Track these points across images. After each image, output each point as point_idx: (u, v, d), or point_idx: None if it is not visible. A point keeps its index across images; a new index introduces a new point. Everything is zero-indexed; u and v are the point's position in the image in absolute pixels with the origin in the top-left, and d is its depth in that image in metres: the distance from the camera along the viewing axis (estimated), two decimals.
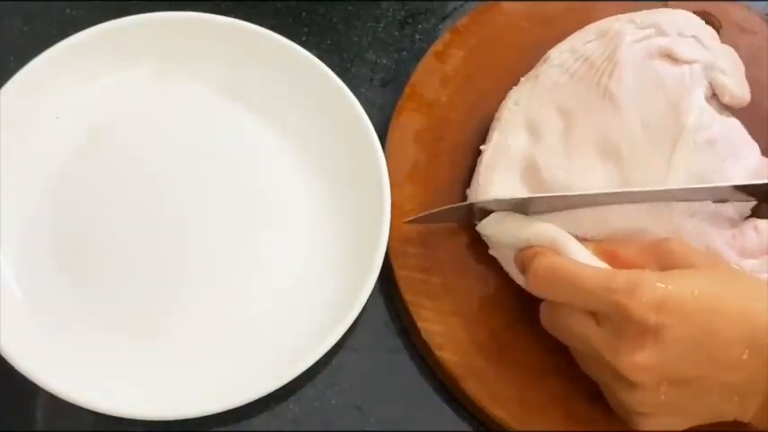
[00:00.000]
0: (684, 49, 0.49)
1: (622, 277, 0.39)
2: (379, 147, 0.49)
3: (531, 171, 0.48)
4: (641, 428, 0.41)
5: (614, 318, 0.39)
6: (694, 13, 0.53)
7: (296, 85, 0.52)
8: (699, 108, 0.48)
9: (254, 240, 0.49)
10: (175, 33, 0.51)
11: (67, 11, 0.54)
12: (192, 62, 0.52)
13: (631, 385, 0.39)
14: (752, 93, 0.51)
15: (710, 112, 0.48)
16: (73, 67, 0.49)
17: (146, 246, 0.47)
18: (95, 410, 0.41)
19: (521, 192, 0.48)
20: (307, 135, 0.52)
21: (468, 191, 0.50)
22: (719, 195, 0.46)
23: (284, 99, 0.52)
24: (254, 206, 0.50)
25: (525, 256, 0.45)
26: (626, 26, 0.50)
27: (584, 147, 0.47)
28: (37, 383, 0.41)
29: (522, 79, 0.52)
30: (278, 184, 0.51)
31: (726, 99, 0.50)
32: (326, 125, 0.51)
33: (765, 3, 0.60)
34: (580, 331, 0.41)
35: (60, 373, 0.41)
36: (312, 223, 0.50)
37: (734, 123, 0.49)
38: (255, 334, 0.46)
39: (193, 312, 0.47)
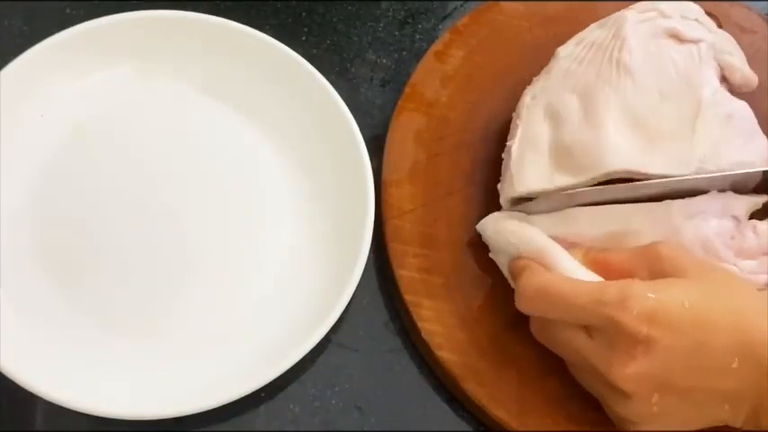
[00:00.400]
0: (689, 29, 0.50)
1: (612, 289, 0.39)
2: (363, 143, 0.49)
3: (560, 152, 0.47)
4: None
5: (606, 330, 0.39)
6: None
7: (281, 84, 0.52)
8: (711, 85, 0.48)
9: (240, 240, 0.49)
10: (160, 32, 0.51)
11: (67, 10, 0.54)
12: (177, 61, 0.52)
13: (624, 395, 0.40)
14: (752, 93, 0.51)
15: (723, 92, 0.49)
16: (57, 65, 0.49)
17: (130, 244, 0.47)
18: (84, 412, 0.41)
19: (555, 176, 0.47)
20: (292, 134, 0.51)
21: (498, 186, 0.49)
22: (752, 179, 0.46)
23: (269, 98, 0.52)
24: (238, 205, 0.50)
25: (515, 267, 0.45)
26: (628, 12, 0.51)
27: (608, 118, 0.47)
28: (23, 386, 0.40)
29: (534, 78, 0.52)
30: (262, 183, 0.51)
31: (737, 77, 0.50)
32: (311, 124, 0.51)
33: (765, 3, 0.60)
34: (572, 344, 0.41)
35: (49, 376, 0.41)
36: (296, 222, 0.50)
37: (746, 106, 0.49)
38: (246, 331, 0.46)
39: (181, 311, 0.46)
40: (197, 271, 0.47)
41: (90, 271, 0.46)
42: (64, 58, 0.49)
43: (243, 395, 0.42)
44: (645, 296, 0.39)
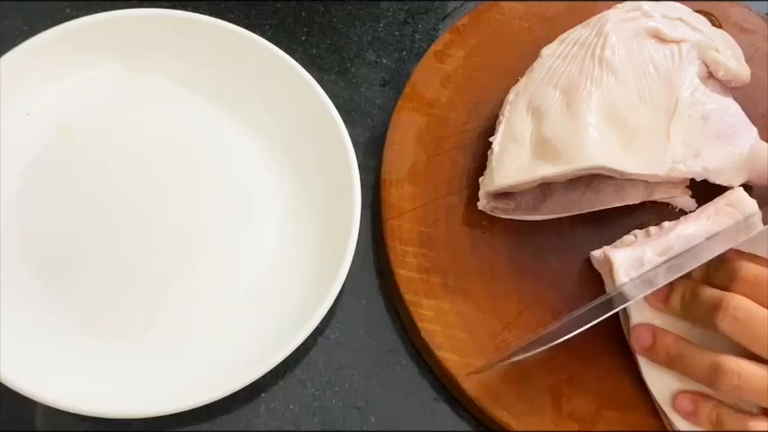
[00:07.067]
0: (671, 29, 0.50)
1: None
2: (349, 142, 0.49)
3: (541, 143, 0.48)
4: None
5: None
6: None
7: (268, 83, 0.51)
8: (691, 84, 0.49)
9: (225, 239, 0.49)
10: (145, 31, 0.51)
11: (67, 10, 0.54)
12: (163, 59, 0.52)
13: None
14: (751, 92, 0.52)
15: (703, 91, 0.49)
16: (43, 64, 0.49)
17: (116, 244, 0.47)
18: (71, 411, 0.41)
19: (536, 166, 0.47)
20: (279, 133, 0.51)
21: (480, 179, 0.50)
22: None
23: (256, 96, 0.52)
24: (224, 204, 0.49)
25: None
26: (612, 11, 0.51)
27: (589, 113, 0.47)
28: (7, 385, 0.40)
29: (519, 78, 0.52)
30: (248, 182, 0.51)
31: (720, 74, 0.51)
32: (298, 123, 0.51)
33: (765, 3, 0.60)
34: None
35: (35, 375, 0.41)
36: (283, 221, 0.50)
37: (730, 103, 0.50)
38: (231, 330, 0.46)
39: (168, 310, 0.46)
40: (183, 270, 0.47)
41: (76, 271, 0.46)
42: (50, 56, 0.49)
43: (228, 394, 0.42)
44: None
